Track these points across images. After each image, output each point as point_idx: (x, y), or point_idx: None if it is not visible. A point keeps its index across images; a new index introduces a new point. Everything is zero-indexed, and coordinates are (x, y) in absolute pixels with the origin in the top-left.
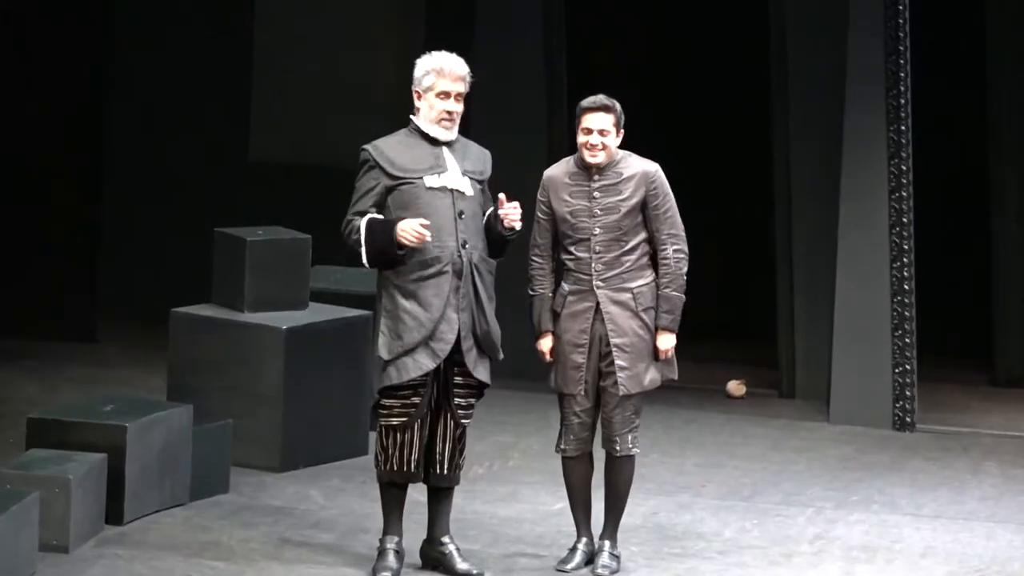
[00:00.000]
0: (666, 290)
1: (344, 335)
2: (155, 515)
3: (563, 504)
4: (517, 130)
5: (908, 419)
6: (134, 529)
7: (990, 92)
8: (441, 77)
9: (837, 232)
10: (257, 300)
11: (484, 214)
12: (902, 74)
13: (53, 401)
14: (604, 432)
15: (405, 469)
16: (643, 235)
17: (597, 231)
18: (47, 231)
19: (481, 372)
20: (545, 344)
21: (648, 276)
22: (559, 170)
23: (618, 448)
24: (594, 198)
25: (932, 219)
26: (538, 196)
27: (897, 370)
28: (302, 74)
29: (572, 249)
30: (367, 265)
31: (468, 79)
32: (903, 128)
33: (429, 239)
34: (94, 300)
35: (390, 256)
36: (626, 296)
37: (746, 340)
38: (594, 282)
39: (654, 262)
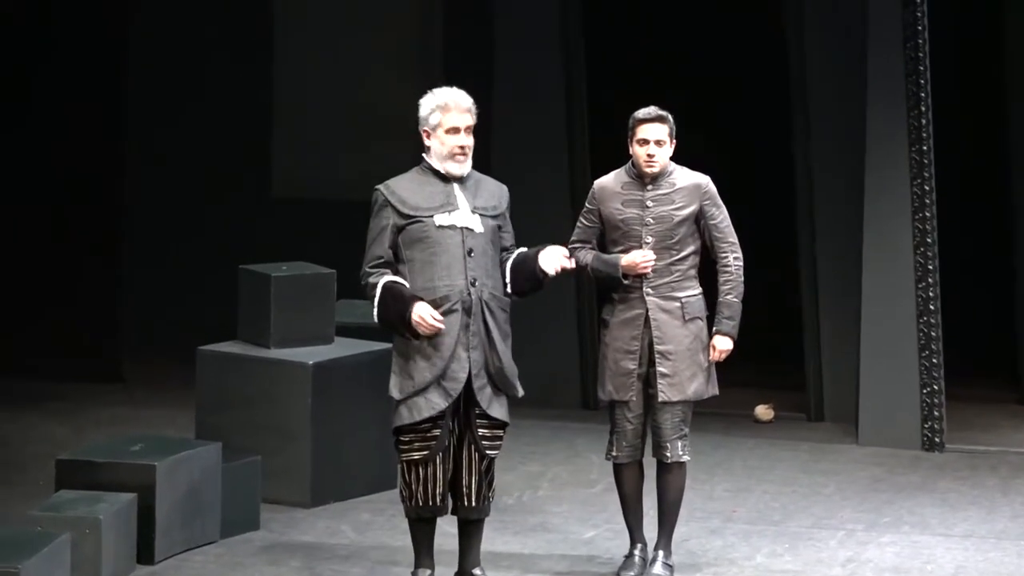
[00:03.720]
0: (728, 296)
1: (371, 369)
2: (186, 553)
3: (593, 532)
4: (538, 161)
5: (937, 439)
6: (166, 568)
7: (1012, 109)
8: (447, 112)
9: (862, 254)
10: (283, 336)
11: (498, 249)
12: (923, 94)
13: (81, 442)
14: (654, 439)
15: (431, 503)
16: (694, 247)
17: (649, 239)
18: (71, 272)
19: (496, 410)
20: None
21: (696, 287)
22: (611, 180)
23: (668, 455)
24: (647, 207)
25: (954, 238)
26: (587, 203)
27: (925, 390)
28: (322, 108)
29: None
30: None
31: (474, 111)
32: (925, 148)
33: (443, 327)
34: (119, 340)
35: (399, 332)
36: (674, 305)
37: (773, 364)
38: (644, 289)
39: (702, 275)
